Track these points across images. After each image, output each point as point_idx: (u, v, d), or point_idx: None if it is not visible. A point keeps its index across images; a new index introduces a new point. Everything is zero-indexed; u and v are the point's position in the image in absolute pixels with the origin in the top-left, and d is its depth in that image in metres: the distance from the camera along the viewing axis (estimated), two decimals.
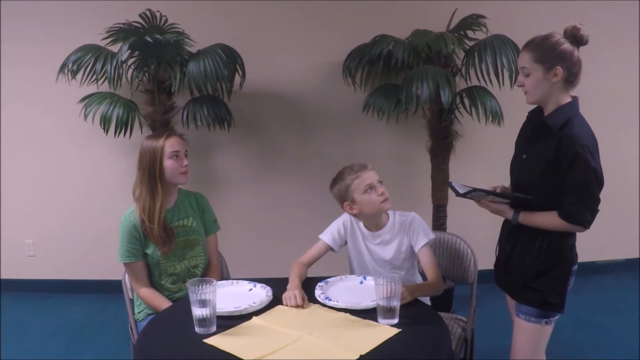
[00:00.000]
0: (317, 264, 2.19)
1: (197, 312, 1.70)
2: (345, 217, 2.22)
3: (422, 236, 2.11)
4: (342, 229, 2.21)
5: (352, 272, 2.23)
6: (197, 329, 1.72)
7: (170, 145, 2.18)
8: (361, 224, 2.19)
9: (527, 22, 3.61)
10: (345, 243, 2.22)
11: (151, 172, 2.17)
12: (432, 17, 3.37)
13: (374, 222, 2.16)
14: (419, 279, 2.23)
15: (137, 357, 1.71)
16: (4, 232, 3.90)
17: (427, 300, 2.14)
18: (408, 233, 2.13)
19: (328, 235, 2.20)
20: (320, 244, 2.20)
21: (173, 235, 2.21)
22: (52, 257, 3.93)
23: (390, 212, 2.18)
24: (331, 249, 2.20)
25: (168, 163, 2.17)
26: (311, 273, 2.15)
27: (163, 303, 2.16)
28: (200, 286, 1.69)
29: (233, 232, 3.53)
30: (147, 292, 2.21)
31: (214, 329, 1.72)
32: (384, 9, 3.54)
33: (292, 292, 1.90)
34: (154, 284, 2.25)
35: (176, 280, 2.26)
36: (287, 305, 1.88)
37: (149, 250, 2.20)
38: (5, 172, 3.82)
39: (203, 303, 1.69)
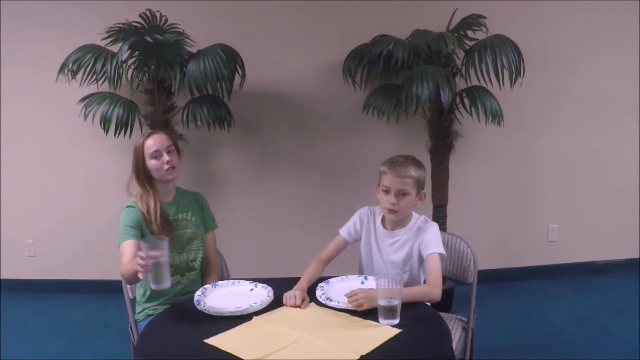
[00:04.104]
0: None
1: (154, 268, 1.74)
2: (362, 211, 2.20)
3: (431, 246, 2.04)
4: (359, 222, 2.19)
5: (360, 270, 2.21)
6: (152, 286, 1.78)
7: (148, 146, 2.18)
8: (379, 219, 2.17)
9: (527, 22, 3.61)
10: (361, 238, 2.20)
11: (139, 172, 2.19)
12: (432, 17, 3.37)
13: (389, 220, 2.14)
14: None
15: (137, 357, 1.71)
16: (4, 232, 3.90)
17: None
18: (418, 238, 2.09)
19: (345, 230, 2.19)
20: (338, 238, 2.19)
21: (172, 226, 2.21)
22: (52, 257, 3.93)
23: (414, 215, 2.14)
24: (347, 242, 2.19)
25: (151, 163, 2.18)
26: None
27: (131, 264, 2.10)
28: (154, 242, 1.73)
29: (233, 232, 3.53)
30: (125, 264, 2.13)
31: (168, 284, 1.78)
32: (384, 9, 3.54)
33: (294, 292, 1.91)
34: None
35: (174, 272, 2.23)
36: (285, 304, 1.89)
37: None
38: (5, 172, 3.83)
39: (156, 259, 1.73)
